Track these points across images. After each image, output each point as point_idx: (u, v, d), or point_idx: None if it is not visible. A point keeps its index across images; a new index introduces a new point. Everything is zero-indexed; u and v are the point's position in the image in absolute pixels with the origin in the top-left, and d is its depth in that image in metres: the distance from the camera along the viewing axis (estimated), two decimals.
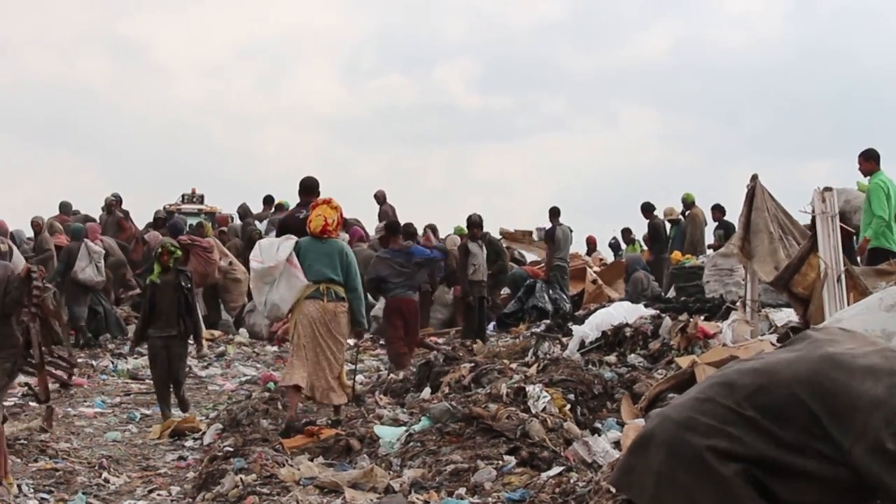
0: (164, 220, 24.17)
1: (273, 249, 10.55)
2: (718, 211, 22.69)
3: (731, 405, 3.72)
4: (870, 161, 13.82)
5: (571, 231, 21.59)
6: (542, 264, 21.58)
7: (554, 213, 20.89)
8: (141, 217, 24.84)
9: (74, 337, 18.18)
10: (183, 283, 11.96)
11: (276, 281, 10.39)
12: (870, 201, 13.69)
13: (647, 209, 22.71)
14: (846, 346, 3.77)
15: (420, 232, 21.04)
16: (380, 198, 23.78)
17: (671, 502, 3.79)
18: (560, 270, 20.39)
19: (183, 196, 29.99)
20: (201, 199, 29.99)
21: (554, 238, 20.48)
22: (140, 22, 65.19)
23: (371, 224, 23.26)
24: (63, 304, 18.27)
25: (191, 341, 12.04)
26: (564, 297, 19.87)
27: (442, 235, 22.92)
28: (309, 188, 12.16)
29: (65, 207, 23.68)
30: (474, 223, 17.72)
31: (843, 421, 3.55)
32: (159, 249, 12.29)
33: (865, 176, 14.01)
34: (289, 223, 12.23)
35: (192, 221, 25.70)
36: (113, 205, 24.21)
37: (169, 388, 11.90)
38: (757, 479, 3.60)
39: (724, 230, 21.62)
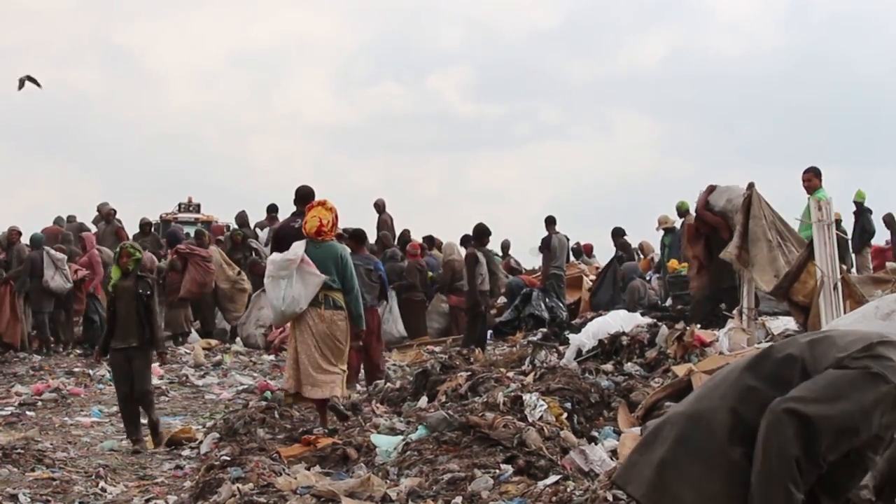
0: (149, 228, 24.17)
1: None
2: None
3: (736, 379, 3.85)
4: (817, 178, 14.13)
5: (568, 239, 21.61)
6: (539, 273, 21.59)
7: (550, 221, 20.86)
8: (133, 226, 24.83)
9: (38, 345, 18.33)
10: (142, 291, 11.26)
11: (292, 276, 10.36)
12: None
13: (617, 234, 22.74)
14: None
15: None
16: (379, 206, 23.79)
17: (675, 489, 3.83)
18: (556, 279, 20.38)
19: (179, 205, 30.01)
20: (198, 208, 30.01)
21: (550, 246, 20.48)
22: (134, 30, 65.34)
23: (371, 232, 23.27)
24: (27, 312, 18.45)
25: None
26: (561, 305, 19.87)
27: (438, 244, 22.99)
28: (304, 197, 12.18)
29: (58, 222, 23.72)
30: (483, 232, 17.70)
31: (821, 360, 3.73)
32: (118, 250, 11.71)
33: (809, 193, 14.22)
34: (283, 233, 12.24)
35: (189, 230, 25.72)
36: (110, 214, 24.23)
37: (137, 407, 11.24)
38: None
39: None
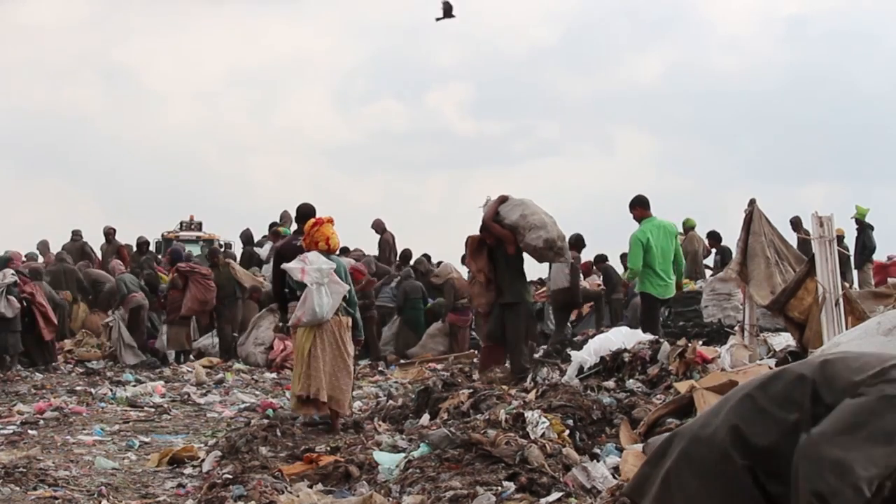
0: (146, 247, 24.22)
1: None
2: (714, 238, 22.84)
3: (742, 397, 3.84)
4: (639, 208, 14.32)
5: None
6: (544, 289, 21.66)
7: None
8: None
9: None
10: None
11: (325, 285, 11.25)
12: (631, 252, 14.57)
13: (600, 260, 22.78)
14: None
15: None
16: (379, 227, 23.80)
17: (675, 503, 3.84)
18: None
19: (181, 223, 30.10)
20: (199, 226, 30.10)
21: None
22: (133, 48, 65.50)
23: (371, 252, 23.29)
24: None
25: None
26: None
27: (436, 260, 22.99)
28: (306, 215, 12.35)
29: (75, 236, 23.89)
30: (581, 241, 19.04)
31: (833, 382, 3.71)
32: None
33: (639, 222, 14.41)
34: (286, 251, 12.31)
35: (191, 248, 25.78)
36: (110, 233, 24.30)
37: None
38: (758, 479, 3.68)
39: (722, 255, 21.73)
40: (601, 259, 22.67)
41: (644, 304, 15.02)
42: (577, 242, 19.19)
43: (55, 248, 24.27)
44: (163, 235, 29.00)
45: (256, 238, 24.31)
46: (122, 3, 70.89)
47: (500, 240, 13.31)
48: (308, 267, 11.20)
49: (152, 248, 25.32)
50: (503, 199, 13.47)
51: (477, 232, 13.45)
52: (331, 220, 11.68)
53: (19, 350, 19.23)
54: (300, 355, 11.33)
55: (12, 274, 19.05)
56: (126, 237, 25.12)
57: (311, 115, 68.83)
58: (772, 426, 3.72)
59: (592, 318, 21.36)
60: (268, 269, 22.47)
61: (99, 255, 25.06)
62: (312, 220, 11.77)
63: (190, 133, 64.23)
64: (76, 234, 24.94)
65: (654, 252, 14.35)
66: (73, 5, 68.90)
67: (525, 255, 13.46)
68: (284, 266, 11.59)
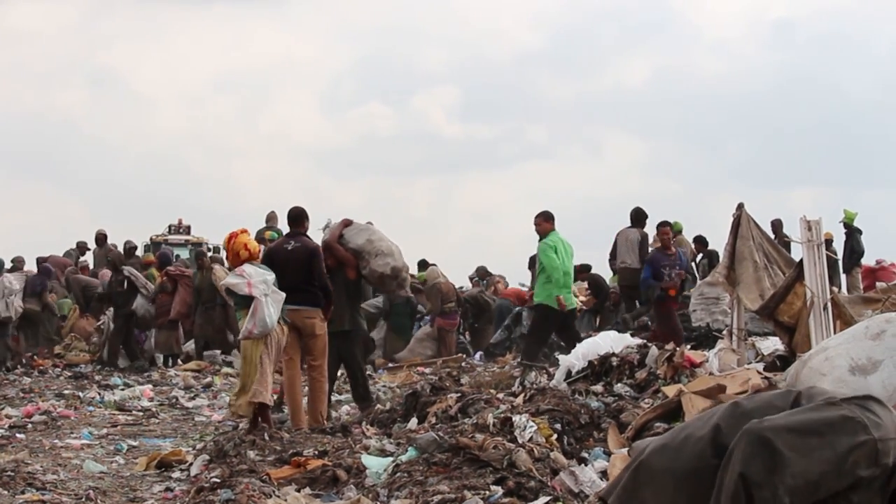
0: (133, 251, 24.17)
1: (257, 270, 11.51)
2: (700, 243, 22.88)
3: (732, 402, 3.86)
4: (548, 221, 14.44)
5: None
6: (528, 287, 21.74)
7: None
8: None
9: None
10: None
11: (269, 296, 11.32)
12: (541, 261, 14.71)
13: (584, 269, 22.79)
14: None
15: None
16: None
17: (642, 494, 3.85)
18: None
19: (170, 227, 30.05)
20: (188, 230, 30.05)
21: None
22: (120, 52, 65.47)
23: None
24: None
25: None
26: None
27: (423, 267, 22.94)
28: (296, 218, 12.33)
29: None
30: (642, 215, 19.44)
31: (815, 397, 3.73)
32: None
33: (542, 236, 14.54)
34: (274, 253, 12.34)
35: (179, 252, 25.73)
36: (102, 238, 24.30)
37: None
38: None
39: (709, 259, 21.77)
40: (585, 269, 22.63)
41: (540, 314, 15.03)
42: (639, 216, 19.53)
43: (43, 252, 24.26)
44: (151, 239, 28.94)
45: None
46: (109, 8, 71.08)
47: (340, 263, 13.13)
48: (253, 280, 11.26)
49: (140, 251, 25.23)
50: (347, 223, 13.33)
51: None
52: (244, 231, 11.88)
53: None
54: (251, 364, 11.40)
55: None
56: (114, 240, 25.08)
57: (298, 119, 68.99)
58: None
59: (584, 322, 21.35)
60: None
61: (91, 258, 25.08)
62: (227, 235, 11.87)
63: (176, 137, 64.24)
64: (81, 243, 25.11)
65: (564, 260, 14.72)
66: (60, 10, 68.97)
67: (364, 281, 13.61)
68: (227, 282, 11.65)
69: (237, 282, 11.32)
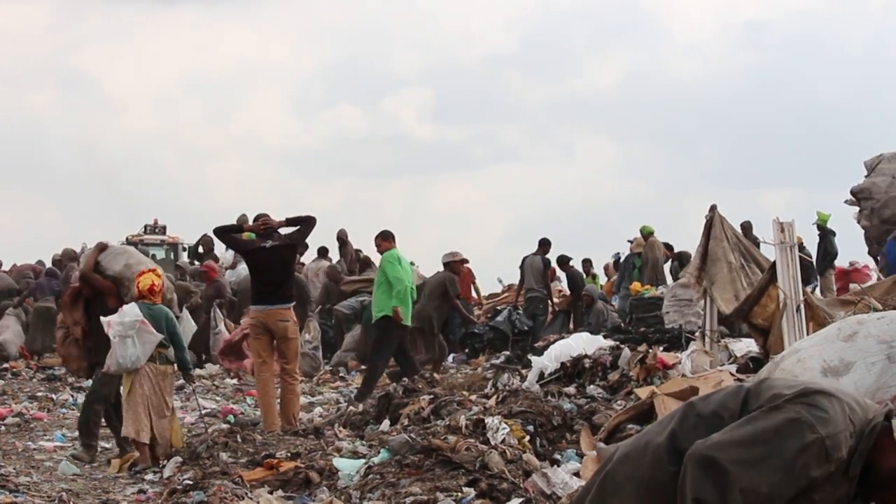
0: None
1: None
2: (668, 249, 23.03)
3: (688, 404, 3.85)
4: (387, 240, 15.03)
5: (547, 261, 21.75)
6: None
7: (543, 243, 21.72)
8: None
9: None
10: None
11: (134, 336, 11.03)
12: (386, 272, 14.88)
13: (563, 261, 22.83)
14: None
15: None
16: (342, 238, 23.71)
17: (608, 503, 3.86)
18: (533, 301, 20.83)
19: (145, 227, 29.94)
20: (164, 230, 29.94)
21: (522, 268, 21.07)
22: (90, 54, 65.15)
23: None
24: None
25: None
26: (526, 320, 20.08)
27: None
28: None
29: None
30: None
31: (762, 394, 3.70)
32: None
33: (382, 253, 14.72)
34: (256, 254, 12.42)
35: (155, 252, 25.65)
36: (71, 255, 24.28)
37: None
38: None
39: (679, 261, 21.88)
40: (564, 261, 22.71)
41: (381, 329, 15.13)
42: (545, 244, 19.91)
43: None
44: (127, 239, 28.82)
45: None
46: (80, 10, 70.70)
47: (99, 292, 12.17)
48: (114, 320, 11.06)
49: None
50: (103, 247, 12.42)
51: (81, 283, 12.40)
52: (153, 270, 11.68)
53: None
54: (123, 400, 11.28)
55: None
56: (89, 242, 25.00)
57: (269, 121, 68.69)
58: (703, 432, 3.70)
59: (557, 323, 21.41)
60: (231, 273, 22.47)
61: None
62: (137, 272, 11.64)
63: (148, 138, 63.93)
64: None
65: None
66: (31, 12, 68.49)
67: None
68: (102, 319, 11.33)
69: (104, 320, 11.16)
